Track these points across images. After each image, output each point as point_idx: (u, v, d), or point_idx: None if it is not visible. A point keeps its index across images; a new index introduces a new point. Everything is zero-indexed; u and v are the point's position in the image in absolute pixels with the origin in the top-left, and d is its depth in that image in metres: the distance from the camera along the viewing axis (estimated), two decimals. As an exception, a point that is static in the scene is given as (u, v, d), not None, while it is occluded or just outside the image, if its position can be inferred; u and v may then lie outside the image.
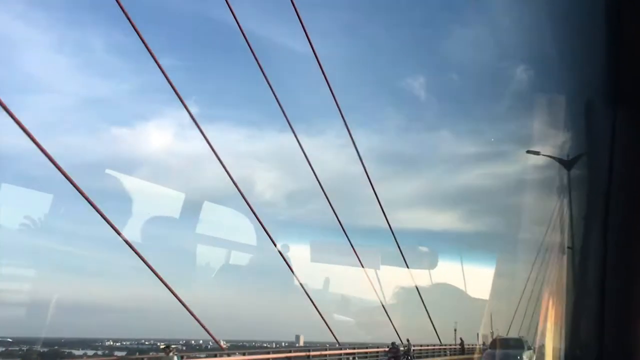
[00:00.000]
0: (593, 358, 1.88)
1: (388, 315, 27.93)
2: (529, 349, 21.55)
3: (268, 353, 26.02)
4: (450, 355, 39.07)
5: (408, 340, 31.59)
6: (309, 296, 22.90)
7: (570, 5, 2.40)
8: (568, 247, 2.33)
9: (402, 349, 31.14)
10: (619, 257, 1.94)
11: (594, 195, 2.15)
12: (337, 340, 27.16)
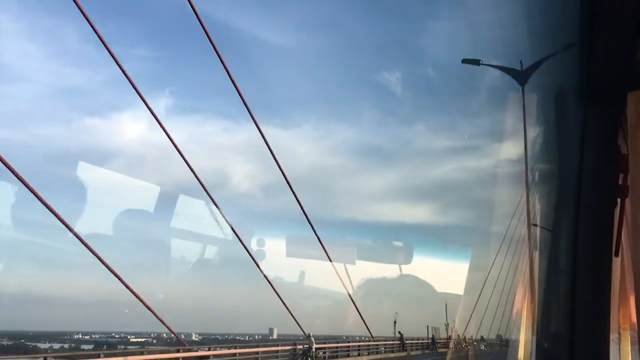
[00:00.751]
0: (564, 351, 1.90)
1: (358, 310, 27.93)
2: None
3: (235, 347, 26.15)
4: (386, 352, 35.49)
5: (310, 336, 27.65)
6: (275, 290, 22.94)
7: (545, 2, 2.41)
8: (539, 241, 2.35)
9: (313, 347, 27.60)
10: (589, 252, 1.96)
11: (565, 190, 2.17)
12: (303, 331, 27.37)
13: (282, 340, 31.99)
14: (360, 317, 28.24)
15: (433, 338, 40.75)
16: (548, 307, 2.13)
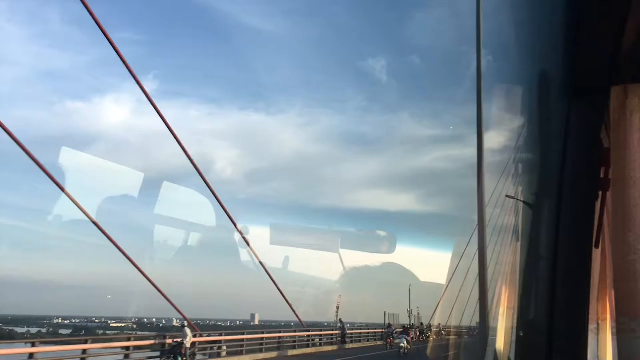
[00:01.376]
0: (543, 339, 1.93)
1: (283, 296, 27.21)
2: None
3: (221, 335, 25.89)
4: (320, 345, 30.64)
5: (183, 324, 23.16)
6: (271, 278, 22.95)
7: None
8: (521, 231, 2.38)
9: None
10: (570, 243, 1.99)
11: (548, 181, 2.19)
12: (300, 320, 27.22)
13: (264, 327, 32.08)
14: (288, 304, 26.69)
15: (389, 327, 35.62)
16: (528, 297, 2.16)
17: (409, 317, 43.33)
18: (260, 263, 23.68)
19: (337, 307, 38.48)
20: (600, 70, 2.00)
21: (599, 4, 1.83)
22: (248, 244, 23.49)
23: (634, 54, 1.96)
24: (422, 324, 41.20)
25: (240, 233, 22.77)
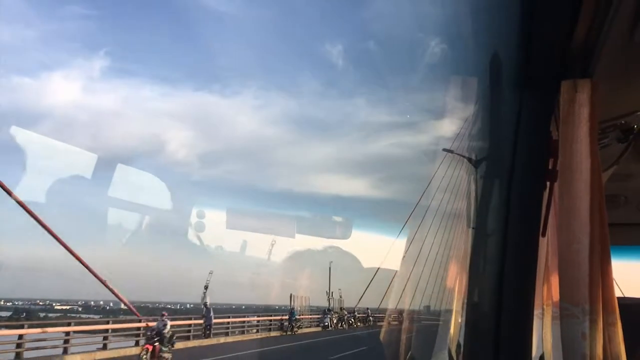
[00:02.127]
0: (491, 324, 1.99)
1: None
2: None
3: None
4: (248, 333, 27.83)
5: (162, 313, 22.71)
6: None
7: None
8: (472, 219, 2.43)
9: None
10: (518, 231, 2.06)
11: (498, 170, 2.24)
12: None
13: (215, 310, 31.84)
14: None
15: (292, 313, 31.37)
16: (477, 282, 2.22)
17: (328, 300, 38.21)
18: (215, 247, 23.43)
19: (205, 287, 31.67)
20: (551, 64, 2.06)
21: None
22: (202, 228, 23.17)
23: (583, 50, 2.02)
24: (342, 308, 36.68)
25: (195, 216, 22.43)
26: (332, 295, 39.59)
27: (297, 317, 31.89)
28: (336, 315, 36.21)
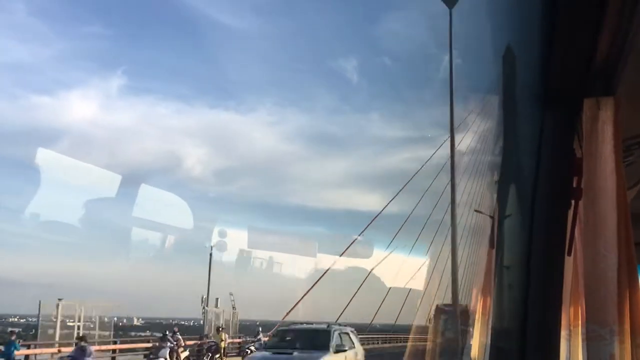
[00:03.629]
0: (516, 345, 1.97)
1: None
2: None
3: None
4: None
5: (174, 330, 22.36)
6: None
7: (506, 2, 2.45)
8: (496, 238, 2.41)
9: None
10: (543, 251, 2.03)
11: (521, 189, 2.23)
12: None
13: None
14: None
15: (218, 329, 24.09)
16: (501, 303, 2.19)
17: (203, 318, 27.98)
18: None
19: (233, 307, 29.66)
20: (573, 82, 2.04)
21: (574, 17, 1.87)
22: (223, 248, 23.25)
23: (605, 67, 2.01)
24: (220, 328, 25.25)
25: (216, 236, 22.55)
26: (214, 305, 29.48)
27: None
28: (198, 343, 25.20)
